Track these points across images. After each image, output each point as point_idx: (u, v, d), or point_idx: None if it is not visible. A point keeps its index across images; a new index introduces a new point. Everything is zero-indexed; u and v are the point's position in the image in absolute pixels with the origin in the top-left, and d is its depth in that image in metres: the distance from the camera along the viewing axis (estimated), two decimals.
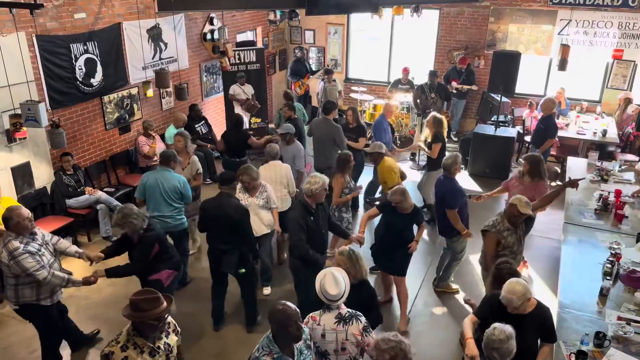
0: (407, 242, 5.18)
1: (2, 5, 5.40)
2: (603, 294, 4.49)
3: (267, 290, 5.94)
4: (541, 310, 3.69)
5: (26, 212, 4.16)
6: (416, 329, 5.43)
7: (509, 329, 3.22)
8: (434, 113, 7.60)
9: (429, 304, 5.82)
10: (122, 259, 4.74)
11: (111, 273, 4.52)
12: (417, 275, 6.16)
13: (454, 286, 5.99)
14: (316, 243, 4.73)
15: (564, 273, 4.92)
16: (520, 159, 8.50)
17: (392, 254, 5.25)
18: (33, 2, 5.37)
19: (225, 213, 4.83)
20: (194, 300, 5.78)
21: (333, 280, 3.44)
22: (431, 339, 5.30)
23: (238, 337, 5.32)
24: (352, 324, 3.42)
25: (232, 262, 4.95)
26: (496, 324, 3.26)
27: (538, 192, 5.64)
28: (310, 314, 3.50)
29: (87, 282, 4.43)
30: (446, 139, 7.37)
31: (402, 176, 6.56)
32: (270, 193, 5.64)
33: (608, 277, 4.69)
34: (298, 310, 3.06)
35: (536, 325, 3.62)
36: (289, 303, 3.08)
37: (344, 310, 3.47)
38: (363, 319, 3.47)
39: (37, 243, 4.21)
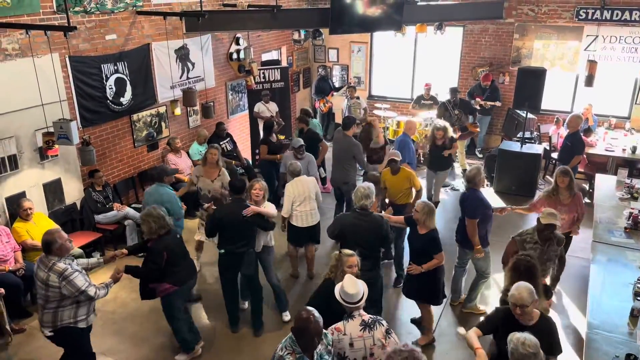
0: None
1: (38, 28, 5.64)
2: (634, 315, 4.37)
3: (286, 317, 5.78)
4: (547, 322, 3.66)
5: (64, 233, 4.24)
6: (440, 347, 5.36)
7: (533, 339, 3.14)
8: (436, 122, 8.07)
9: (453, 323, 5.74)
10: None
11: (129, 269, 4.66)
12: None
13: (482, 307, 5.89)
14: None
15: (593, 293, 4.82)
16: (548, 177, 8.40)
17: (412, 275, 5.17)
18: (67, 24, 5.57)
19: (240, 218, 5.09)
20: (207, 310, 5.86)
21: (351, 282, 3.54)
22: (455, 358, 5.21)
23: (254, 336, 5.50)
24: (377, 328, 3.48)
25: (251, 262, 5.28)
26: (518, 334, 3.18)
27: (581, 206, 5.68)
28: (334, 326, 3.53)
29: (116, 279, 4.51)
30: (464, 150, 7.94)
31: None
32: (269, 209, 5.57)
33: (639, 298, 4.56)
34: (322, 321, 3.16)
35: (542, 337, 3.49)
36: (316, 314, 3.16)
37: (366, 316, 3.53)
38: (384, 322, 3.56)
39: (75, 263, 4.29)
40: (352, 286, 3.51)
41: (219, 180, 6.29)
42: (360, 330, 3.45)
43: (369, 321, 3.50)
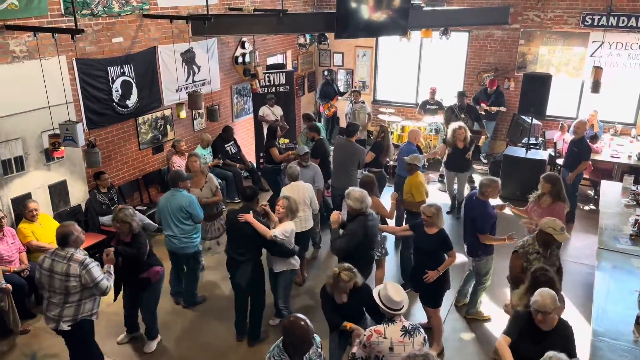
0: (435, 269, 5.00)
1: (46, 30, 5.68)
2: (639, 323, 4.34)
3: (273, 322, 5.75)
4: (564, 325, 3.68)
5: (77, 225, 4.34)
6: (444, 354, 5.33)
7: (564, 357, 3.14)
8: (452, 124, 8.05)
9: (457, 329, 5.72)
10: None
11: (119, 251, 4.73)
12: (445, 299, 6.01)
13: (486, 313, 5.86)
14: None
15: (597, 300, 4.79)
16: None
17: (421, 279, 5.13)
18: (74, 27, 5.61)
19: (242, 226, 5.01)
20: (214, 316, 5.86)
21: (395, 289, 3.61)
22: None
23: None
24: (417, 336, 3.52)
25: (246, 274, 5.10)
26: (551, 353, 3.16)
27: (556, 215, 5.40)
28: (374, 328, 3.59)
29: (110, 261, 4.51)
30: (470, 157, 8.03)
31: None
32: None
33: None
34: (312, 327, 3.16)
35: (560, 340, 3.56)
36: (308, 320, 3.14)
37: (407, 322, 3.58)
38: (422, 330, 3.61)
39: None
40: (398, 294, 3.57)
41: (207, 187, 6.25)
42: (401, 336, 3.49)
43: (410, 328, 3.55)
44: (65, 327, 4.24)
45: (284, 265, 5.30)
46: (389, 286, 3.61)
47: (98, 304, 4.41)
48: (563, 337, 3.60)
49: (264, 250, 5.21)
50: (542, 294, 3.58)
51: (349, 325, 3.92)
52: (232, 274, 5.26)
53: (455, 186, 8.29)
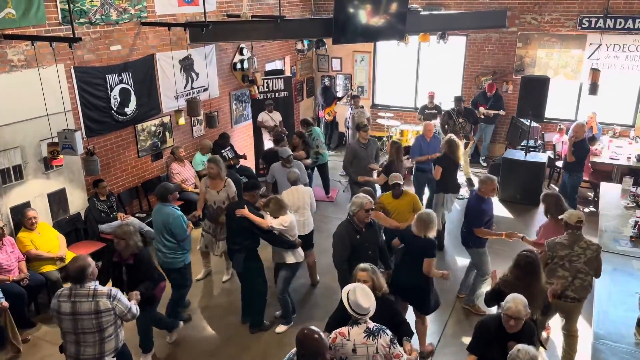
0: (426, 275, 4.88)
1: (43, 39, 5.69)
2: None
3: (280, 329, 5.76)
4: (529, 326, 3.69)
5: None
6: (445, 359, 5.31)
7: (532, 350, 3.17)
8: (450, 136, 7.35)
9: (458, 333, 5.70)
10: None
11: (143, 293, 4.55)
12: (445, 303, 5.98)
13: (483, 308, 5.83)
14: (363, 260, 4.69)
15: (598, 303, 4.78)
16: (552, 185, 8.35)
17: (413, 283, 4.96)
18: (72, 36, 5.62)
19: (239, 219, 5.30)
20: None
21: (364, 294, 3.52)
22: None
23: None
24: (381, 337, 3.47)
25: (239, 263, 5.47)
26: (519, 346, 3.21)
27: (558, 232, 5.26)
28: (338, 330, 3.54)
29: (137, 300, 4.37)
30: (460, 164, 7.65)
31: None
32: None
33: None
34: (326, 340, 3.14)
35: (529, 340, 3.57)
36: (322, 333, 3.11)
37: (371, 324, 3.53)
38: (389, 331, 3.54)
39: None
40: (366, 300, 3.49)
41: (224, 191, 6.22)
42: (364, 338, 3.46)
43: (374, 329, 3.50)
44: (111, 358, 4.04)
45: (293, 257, 5.57)
46: (358, 290, 3.53)
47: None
48: (530, 334, 3.63)
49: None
50: (515, 300, 3.59)
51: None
52: (232, 261, 5.68)
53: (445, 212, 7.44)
